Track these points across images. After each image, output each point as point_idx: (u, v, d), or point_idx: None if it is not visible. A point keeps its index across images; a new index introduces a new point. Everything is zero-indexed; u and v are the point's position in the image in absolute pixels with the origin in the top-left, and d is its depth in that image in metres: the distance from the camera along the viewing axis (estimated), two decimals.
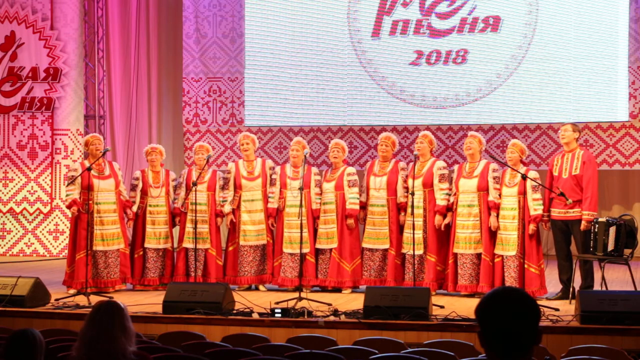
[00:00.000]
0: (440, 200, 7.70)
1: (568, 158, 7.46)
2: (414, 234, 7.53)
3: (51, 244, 11.23)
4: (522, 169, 7.44)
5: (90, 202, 7.89)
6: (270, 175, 8.26)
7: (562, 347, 5.35)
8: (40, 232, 11.33)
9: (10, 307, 6.89)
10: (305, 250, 7.89)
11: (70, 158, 10.99)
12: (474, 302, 7.09)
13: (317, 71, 11.23)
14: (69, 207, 8.04)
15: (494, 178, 7.56)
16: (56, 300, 7.28)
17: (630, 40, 10.33)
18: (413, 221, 7.55)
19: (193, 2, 11.62)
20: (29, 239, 11.39)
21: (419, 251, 7.73)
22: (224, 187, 8.25)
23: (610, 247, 7.08)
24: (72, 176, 7.98)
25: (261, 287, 8.20)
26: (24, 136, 11.46)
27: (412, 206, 7.61)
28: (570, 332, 6.05)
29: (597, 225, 7.15)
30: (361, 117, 11.16)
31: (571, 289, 7.20)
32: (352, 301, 7.25)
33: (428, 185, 7.76)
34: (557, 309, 6.67)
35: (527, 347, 2.29)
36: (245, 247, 8.14)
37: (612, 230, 7.08)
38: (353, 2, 11.13)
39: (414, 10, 10.92)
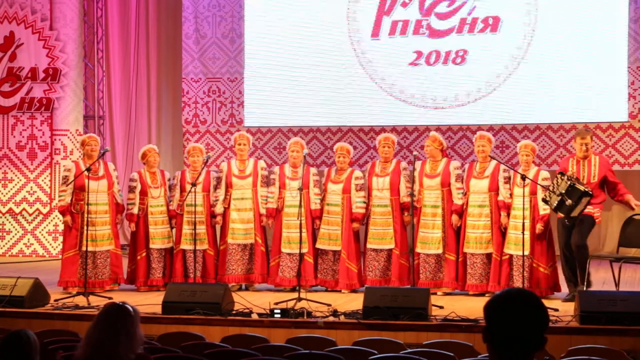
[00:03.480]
0: (458, 200, 7.75)
1: (584, 165, 7.45)
2: (413, 232, 7.59)
3: (50, 244, 11.22)
4: (534, 169, 7.51)
5: (82, 202, 7.90)
6: (268, 176, 8.29)
7: (562, 348, 5.35)
8: (40, 232, 11.33)
9: (10, 307, 6.90)
10: (304, 250, 7.89)
11: (70, 159, 10.97)
12: (474, 302, 7.15)
13: (317, 71, 11.22)
14: (61, 213, 8.11)
15: (504, 178, 7.62)
16: (55, 300, 7.28)
17: (630, 40, 10.35)
18: (413, 221, 7.66)
19: (192, 2, 11.64)
20: (29, 239, 11.39)
21: (439, 250, 7.77)
22: (217, 187, 8.27)
23: (576, 214, 7.03)
24: (66, 177, 8.01)
25: (251, 288, 8.20)
26: (23, 137, 11.45)
27: (412, 207, 7.67)
28: (569, 332, 6.06)
29: (570, 187, 6.97)
30: (361, 117, 11.16)
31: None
32: (351, 302, 7.25)
33: (446, 184, 7.82)
34: (556, 309, 6.68)
35: (530, 351, 2.29)
36: (234, 246, 8.16)
37: (585, 201, 7.05)
38: (352, 2, 11.13)
39: (413, 11, 10.92)
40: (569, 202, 6.98)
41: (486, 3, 10.71)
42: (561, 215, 7.23)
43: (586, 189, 7.02)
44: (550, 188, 7.16)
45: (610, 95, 10.42)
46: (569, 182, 7.01)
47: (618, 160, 10.39)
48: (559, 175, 7.15)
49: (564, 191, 7.01)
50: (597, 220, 7.36)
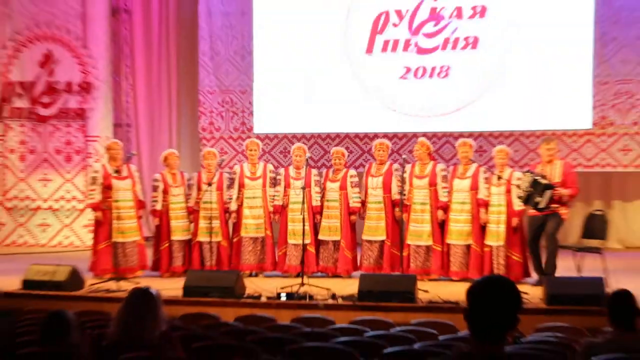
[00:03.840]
0: (443, 197, 7.83)
1: (549, 168, 7.49)
2: (402, 228, 7.71)
3: (85, 236, 11.24)
4: (509, 170, 7.58)
5: (110, 199, 7.99)
6: (275, 177, 8.36)
7: (531, 326, 5.43)
8: (76, 226, 11.38)
9: (52, 291, 7.00)
10: (307, 241, 7.97)
11: (101, 162, 11.04)
12: (456, 287, 7.24)
13: (318, 84, 11.23)
14: (92, 209, 8.18)
15: (485, 179, 7.70)
16: (90, 285, 7.39)
17: (594, 58, 10.35)
18: (402, 217, 7.79)
19: (208, 23, 11.68)
20: (66, 232, 11.44)
21: (428, 242, 7.85)
22: (230, 187, 8.34)
23: (542, 204, 7.15)
24: (95, 177, 8.10)
25: (260, 275, 8.27)
26: (60, 142, 11.50)
27: (402, 204, 7.76)
28: (537, 312, 6.15)
29: (534, 183, 7.16)
30: (356, 125, 11.19)
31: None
32: (347, 286, 7.30)
33: (433, 184, 7.89)
34: (527, 293, 6.77)
35: (505, 330, 2.35)
36: (246, 239, 8.23)
37: (549, 193, 7.16)
38: (349, 22, 11.17)
39: (403, 31, 10.94)
40: (534, 194, 7.10)
41: (467, 24, 10.74)
42: (531, 208, 7.33)
43: (548, 183, 7.13)
44: (520, 184, 7.28)
45: (575, 106, 10.45)
46: (532, 177, 7.14)
47: (581, 163, 10.46)
48: (526, 173, 7.28)
49: (529, 185, 7.15)
50: (564, 217, 7.43)
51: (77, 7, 11.45)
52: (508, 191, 7.51)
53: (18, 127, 11.61)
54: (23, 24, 11.56)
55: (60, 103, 11.51)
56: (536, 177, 7.15)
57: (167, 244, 8.30)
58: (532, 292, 6.82)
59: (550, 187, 7.12)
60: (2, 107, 11.59)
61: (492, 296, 2.34)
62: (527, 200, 7.19)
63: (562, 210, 7.40)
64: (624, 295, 3.85)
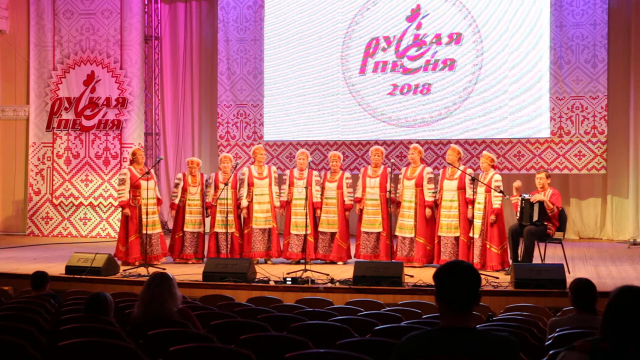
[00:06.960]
0: (429, 197, 7.70)
1: (542, 194, 7.33)
2: (390, 222, 7.60)
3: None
4: (492, 172, 7.43)
5: (138, 197, 7.92)
6: (280, 177, 8.28)
7: (501, 306, 5.35)
8: (112, 220, 11.32)
9: (91, 275, 6.93)
10: (307, 231, 7.87)
11: (128, 165, 10.99)
12: None
13: (319, 99, 11.19)
14: (121, 207, 8.07)
15: (470, 180, 7.54)
16: (124, 270, 7.30)
17: (551, 78, 10.32)
18: (390, 212, 7.69)
19: (225, 48, 11.63)
20: (104, 225, 11.39)
21: (411, 234, 7.72)
22: (241, 186, 8.26)
23: (535, 218, 7.04)
24: (123, 179, 8.05)
25: (269, 261, 8.19)
26: (100, 148, 11.45)
27: (390, 200, 7.68)
28: (507, 294, 6.05)
29: (524, 202, 7.11)
30: (351, 134, 11.13)
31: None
32: (344, 272, 7.24)
33: (419, 185, 7.75)
34: (497, 277, 6.66)
35: (469, 305, 2.26)
36: (256, 230, 8.14)
37: (537, 207, 7.05)
38: (345, 47, 11.13)
39: (390, 54, 10.90)
40: (527, 210, 7.08)
41: (445, 49, 10.69)
42: (526, 222, 7.16)
43: (533, 200, 7.05)
44: (519, 208, 7.18)
45: (537, 118, 10.39)
46: (522, 198, 7.15)
47: (542, 166, 10.37)
48: (521, 197, 7.22)
49: (524, 206, 7.08)
50: (548, 232, 7.21)
51: (116, 35, 11.45)
52: (488, 190, 7.34)
53: (64, 135, 11.54)
54: (71, 50, 11.55)
55: (100, 115, 11.48)
56: (526, 198, 7.12)
57: (180, 234, 8.23)
58: (502, 278, 6.71)
59: (537, 202, 7.05)
60: (51, 119, 11.52)
61: (454, 277, 2.25)
62: (523, 216, 7.09)
63: (550, 227, 7.21)
64: (586, 284, 3.76)
